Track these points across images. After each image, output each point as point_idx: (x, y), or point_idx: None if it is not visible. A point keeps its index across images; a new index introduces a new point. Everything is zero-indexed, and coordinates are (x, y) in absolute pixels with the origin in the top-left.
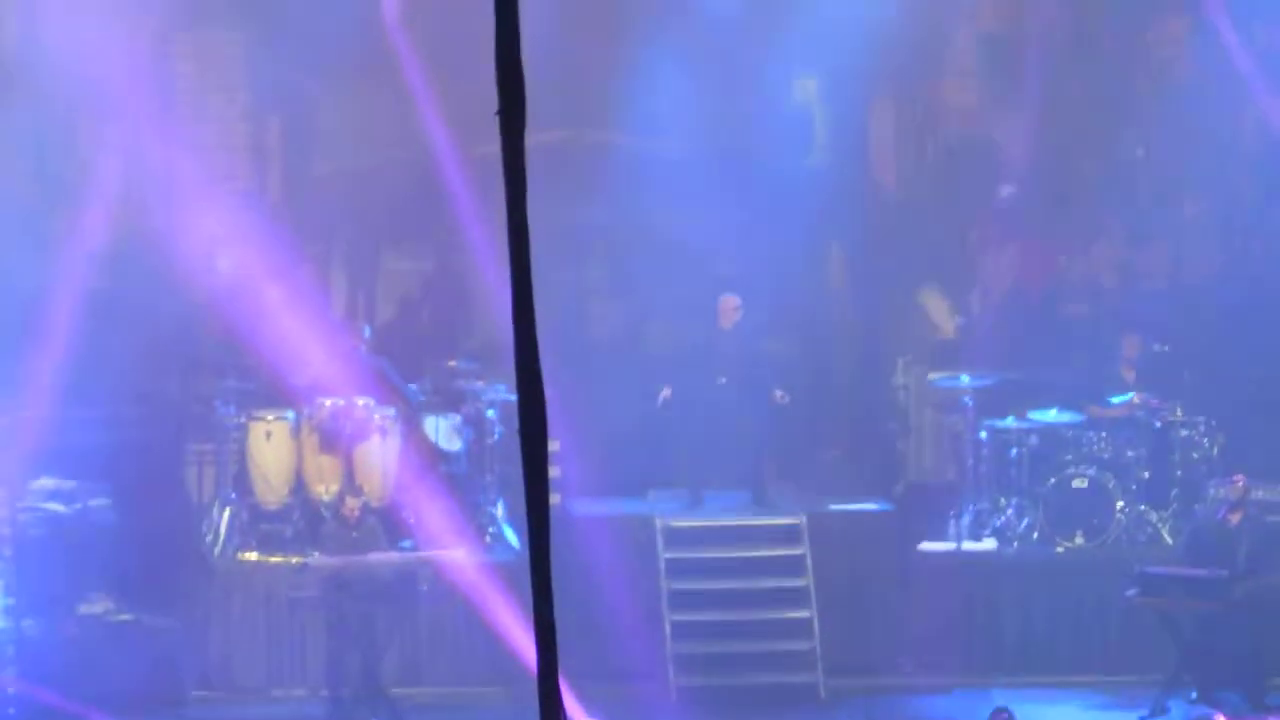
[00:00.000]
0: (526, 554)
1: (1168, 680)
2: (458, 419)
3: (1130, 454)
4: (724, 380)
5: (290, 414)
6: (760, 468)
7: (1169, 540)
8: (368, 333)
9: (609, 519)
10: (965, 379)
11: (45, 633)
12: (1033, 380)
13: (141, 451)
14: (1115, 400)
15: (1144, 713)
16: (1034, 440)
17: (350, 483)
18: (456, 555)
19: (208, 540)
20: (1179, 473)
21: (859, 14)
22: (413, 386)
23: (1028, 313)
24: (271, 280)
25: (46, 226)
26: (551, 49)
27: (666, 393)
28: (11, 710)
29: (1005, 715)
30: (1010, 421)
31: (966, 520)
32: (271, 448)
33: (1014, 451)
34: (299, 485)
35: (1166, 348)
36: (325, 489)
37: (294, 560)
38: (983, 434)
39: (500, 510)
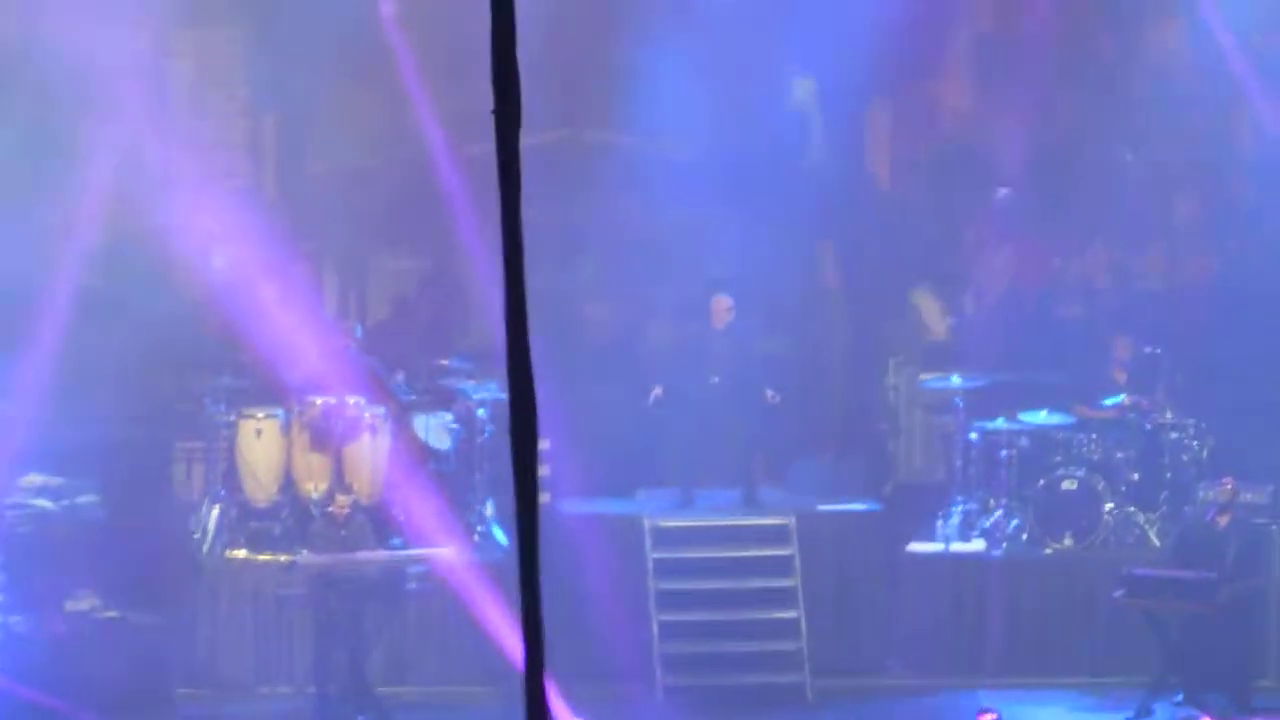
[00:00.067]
0: (515, 553)
1: (1154, 682)
2: (448, 417)
3: (1120, 456)
4: (716, 380)
5: (280, 412)
6: (751, 467)
7: (1157, 542)
8: (360, 332)
9: (598, 518)
10: (956, 380)
11: (33, 630)
12: (1024, 382)
13: (130, 449)
14: (1106, 402)
15: (1130, 714)
16: (1024, 442)
17: (339, 481)
18: (445, 554)
19: (196, 538)
20: (1168, 475)
21: (856, 15)
22: (399, 378)
23: (1020, 314)
24: (265, 278)
25: (39, 223)
26: (547, 49)
27: (658, 392)
28: None
29: (992, 716)
30: (1001, 423)
31: (955, 521)
32: (261, 445)
33: (1004, 453)
34: (288, 483)
35: (1158, 350)
36: (314, 487)
37: (282, 558)
38: (973, 435)
39: (489, 509)
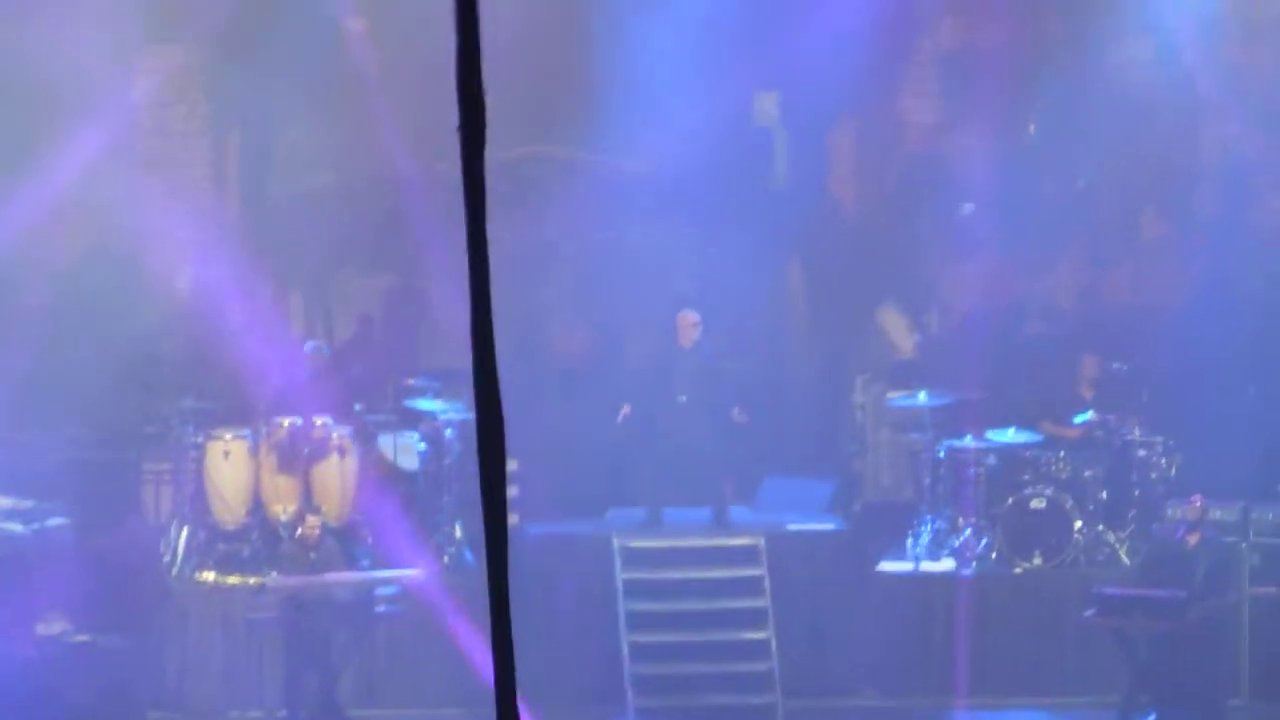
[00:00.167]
0: (484, 574)
1: (1124, 701)
2: (415, 437)
3: (1088, 474)
4: (684, 399)
5: (248, 433)
6: (720, 487)
7: (1126, 561)
8: (326, 351)
9: (567, 539)
10: (923, 398)
11: (3, 653)
12: (991, 400)
13: (99, 471)
14: (1075, 420)
15: None
16: (992, 460)
17: (308, 503)
18: (414, 575)
19: (165, 560)
20: (1137, 493)
21: (821, 32)
22: (357, 409)
23: (987, 332)
24: (231, 299)
25: (1, 243)
26: (513, 66)
27: (626, 411)
28: None
29: None
30: (968, 441)
31: (925, 540)
32: (229, 467)
33: (972, 471)
34: (257, 505)
35: (1126, 367)
36: (283, 509)
37: (251, 581)
38: (941, 453)
39: (458, 530)
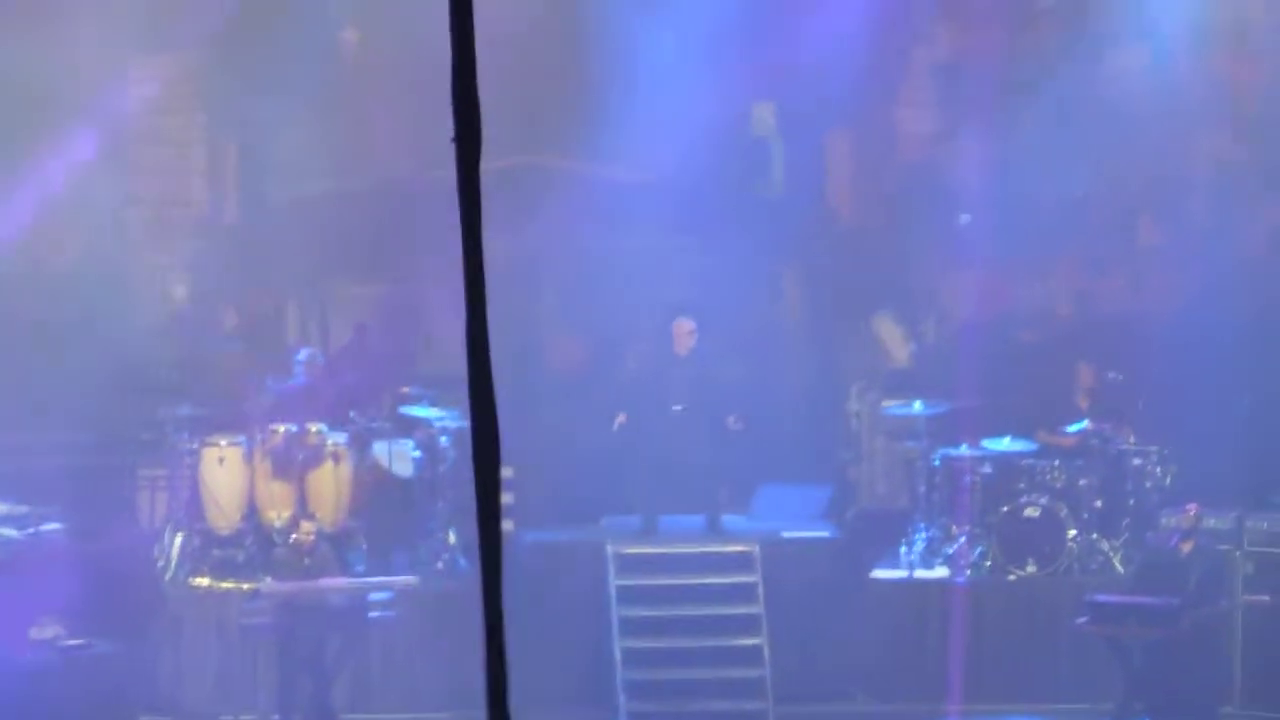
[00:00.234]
0: (478, 580)
1: (1118, 709)
2: (410, 445)
3: (1083, 482)
4: (679, 407)
5: (243, 440)
6: (714, 494)
7: (1120, 569)
8: (321, 358)
9: (561, 546)
10: (918, 406)
11: None
12: (987, 408)
13: (94, 476)
14: (1069, 428)
15: None
16: (987, 468)
17: (303, 509)
18: (408, 582)
19: (159, 566)
20: (1131, 501)
21: (816, 41)
22: (352, 415)
23: (982, 340)
24: (226, 306)
25: None
26: (508, 75)
27: (621, 419)
28: None
29: None
30: (963, 449)
31: (919, 548)
32: (224, 473)
33: (967, 479)
34: (251, 511)
35: (1121, 376)
36: (277, 515)
37: (246, 587)
38: (936, 462)
39: (452, 537)
